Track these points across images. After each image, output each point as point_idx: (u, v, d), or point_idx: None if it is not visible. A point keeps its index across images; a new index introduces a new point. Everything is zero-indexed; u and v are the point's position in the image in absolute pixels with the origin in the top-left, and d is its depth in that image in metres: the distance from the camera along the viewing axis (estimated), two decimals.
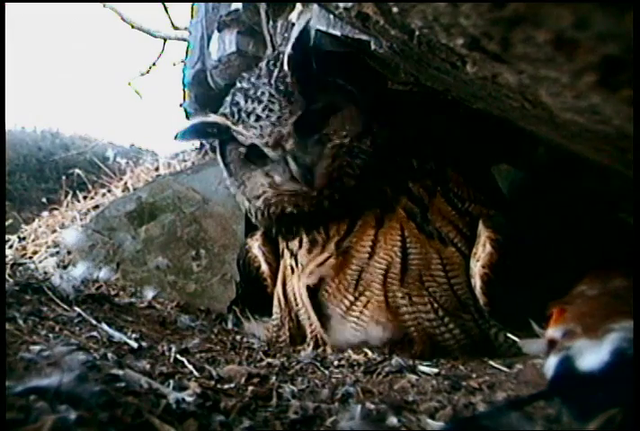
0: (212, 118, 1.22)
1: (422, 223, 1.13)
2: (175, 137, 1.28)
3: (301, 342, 1.22)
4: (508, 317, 1.07)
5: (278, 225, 1.25)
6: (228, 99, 1.21)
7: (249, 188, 1.24)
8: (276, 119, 1.11)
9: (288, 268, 1.25)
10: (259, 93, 1.14)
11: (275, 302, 1.29)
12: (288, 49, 1.14)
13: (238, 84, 1.22)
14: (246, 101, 1.15)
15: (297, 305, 1.22)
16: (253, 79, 1.19)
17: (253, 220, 1.30)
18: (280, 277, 1.29)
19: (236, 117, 1.16)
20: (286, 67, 1.14)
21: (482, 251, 1.08)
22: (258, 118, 1.13)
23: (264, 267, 1.33)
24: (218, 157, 1.32)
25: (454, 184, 1.17)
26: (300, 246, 1.22)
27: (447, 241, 1.12)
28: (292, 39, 1.15)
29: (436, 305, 1.10)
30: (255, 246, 1.34)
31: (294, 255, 1.23)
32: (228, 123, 1.18)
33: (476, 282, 1.08)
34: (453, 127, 1.24)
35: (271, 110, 1.12)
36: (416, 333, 1.10)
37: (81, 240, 1.65)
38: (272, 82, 1.14)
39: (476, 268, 1.08)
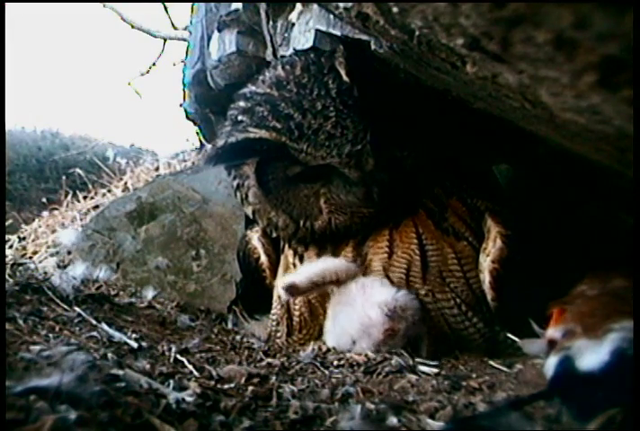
0: (259, 134, 1.08)
1: (440, 220, 1.14)
2: (209, 163, 1.15)
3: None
4: (514, 314, 1.07)
5: (324, 241, 1.19)
6: (262, 109, 1.08)
7: (295, 206, 1.18)
8: (353, 137, 1.04)
9: (291, 266, 1.25)
10: (318, 107, 1.04)
11: (275, 296, 1.29)
12: (341, 59, 1.07)
13: (263, 90, 1.11)
14: (304, 116, 1.04)
15: (296, 305, 1.22)
16: (293, 88, 1.07)
17: (282, 233, 1.23)
18: (280, 274, 1.29)
19: (296, 133, 1.05)
20: (346, 78, 1.06)
21: (492, 246, 1.09)
22: (331, 137, 1.04)
23: (264, 258, 1.33)
24: (251, 175, 1.19)
25: (464, 182, 1.18)
26: (307, 248, 1.22)
27: (460, 235, 1.14)
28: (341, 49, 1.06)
29: (458, 300, 1.10)
30: (255, 238, 1.34)
31: (298, 254, 1.23)
32: (284, 140, 1.06)
33: (485, 277, 1.09)
34: (462, 129, 1.24)
35: (345, 128, 1.04)
36: (439, 329, 1.10)
37: (81, 240, 1.65)
38: (334, 94, 1.05)
39: (486, 262, 1.09)
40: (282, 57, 1.29)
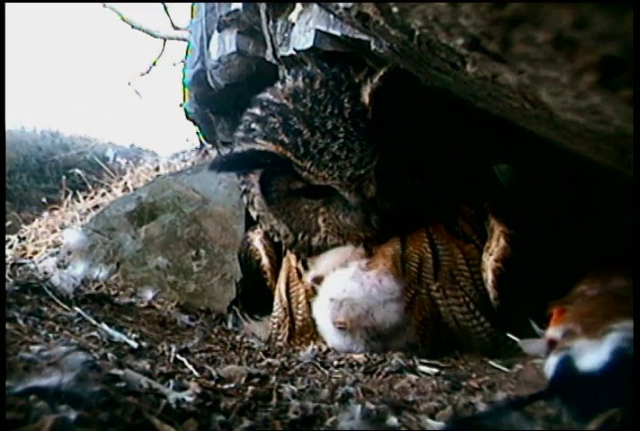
0: (266, 146, 1.07)
1: (451, 225, 1.15)
2: (212, 169, 1.14)
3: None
4: (516, 313, 1.07)
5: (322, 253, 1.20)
6: (275, 120, 1.07)
7: (295, 218, 1.18)
8: (357, 162, 1.02)
9: (294, 271, 1.24)
10: (329, 126, 1.02)
11: (276, 299, 1.29)
12: (375, 80, 1.03)
13: (279, 100, 1.09)
14: (312, 133, 1.03)
15: (298, 309, 1.22)
16: (308, 102, 1.05)
17: (283, 241, 1.23)
18: (282, 277, 1.28)
19: (302, 150, 1.03)
20: (366, 101, 1.03)
21: (495, 246, 1.10)
22: (335, 158, 1.02)
23: (265, 260, 1.33)
24: (256, 184, 1.19)
25: (471, 185, 1.18)
26: (310, 255, 1.22)
27: (468, 238, 1.14)
28: (374, 84, 1.02)
29: (467, 299, 1.11)
30: (257, 239, 1.34)
31: (301, 259, 1.23)
32: (289, 156, 1.05)
33: (488, 276, 1.10)
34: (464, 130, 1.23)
35: (351, 151, 1.02)
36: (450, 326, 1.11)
37: (81, 240, 1.65)
38: (346, 115, 1.02)
39: (489, 262, 1.10)
40: (302, 67, 1.21)
